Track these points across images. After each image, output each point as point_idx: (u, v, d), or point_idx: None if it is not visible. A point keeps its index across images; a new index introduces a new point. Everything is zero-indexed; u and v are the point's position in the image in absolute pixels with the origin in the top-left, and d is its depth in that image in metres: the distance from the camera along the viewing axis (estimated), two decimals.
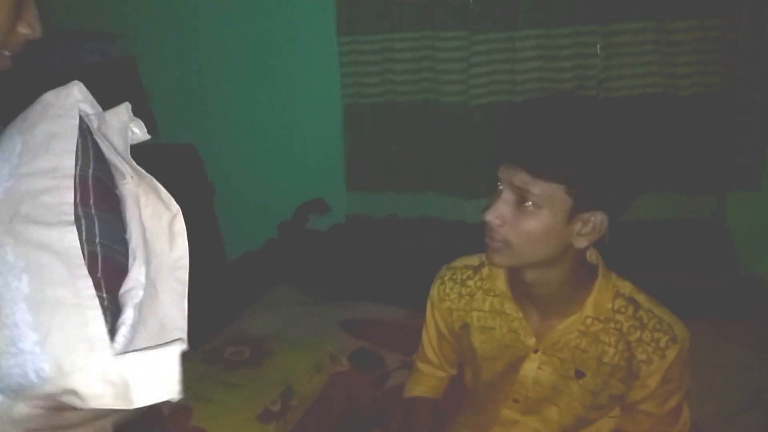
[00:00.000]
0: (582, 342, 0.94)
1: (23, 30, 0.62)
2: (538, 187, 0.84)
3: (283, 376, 1.51)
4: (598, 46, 2.00)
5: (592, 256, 0.96)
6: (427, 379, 1.17)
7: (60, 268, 0.49)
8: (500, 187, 0.88)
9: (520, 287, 0.98)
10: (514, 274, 0.98)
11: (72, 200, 0.53)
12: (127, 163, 0.62)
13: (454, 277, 1.08)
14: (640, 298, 0.93)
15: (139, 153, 2.07)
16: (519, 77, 2.08)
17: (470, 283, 1.06)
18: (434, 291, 1.10)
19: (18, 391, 0.48)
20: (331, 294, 2.02)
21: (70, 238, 0.51)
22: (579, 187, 0.83)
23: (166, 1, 2.29)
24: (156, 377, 0.47)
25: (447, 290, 1.08)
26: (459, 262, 1.09)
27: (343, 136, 2.27)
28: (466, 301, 1.05)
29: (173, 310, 0.58)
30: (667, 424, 0.95)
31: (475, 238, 1.00)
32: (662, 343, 0.89)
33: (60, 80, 0.73)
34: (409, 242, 2.17)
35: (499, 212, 0.87)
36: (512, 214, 0.86)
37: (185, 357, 0.50)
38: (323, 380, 1.59)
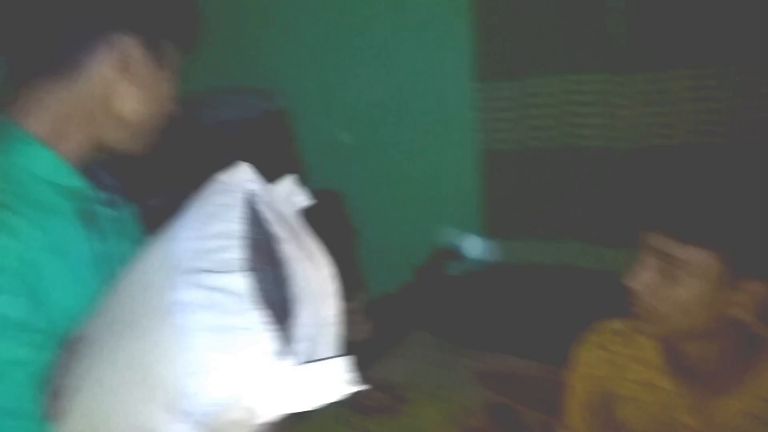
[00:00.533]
0: (744, 424, 0.84)
1: (172, 103, 0.78)
2: (686, 253, 0.77)
3: (418, 427, 1.50)
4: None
5: (760, 327, 0.86)
6: None
7: (236, 304, 0.57)
8: (643, 251, 0.82)
9: (675, 359, 0.90)
10: (669, 344, 0.91)
11: (241, 256, 0.62)
12: (291, 229, 0.70)
13: (600, 341, 1.02)
14: None
15: None
16: (667, 120, 1.95)
17: (618, 349, 0.99)
18: (578, 356, 1.04)
19: (199, 419, 0.55)
20: (467, 343, 1.99)
21: (242, 283, 0.59)
22: (733, 251, 0.75)
23: (315, 58, 2.46)
24: (327, 382, 0.54)
25: (591, 355, 1.02)
26: (605, 325, 1.03)
27: (482, 181, 2.26)
28: (613, 369, 0.99)
29: (329, 352, 0.65)
30: None
31: (622, 291, 0.94)
32: None
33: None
34: (549, 292, 2.09)
35: (643, 280, 0.82)
36: (658, 282, 0.81)
37: None
38: None
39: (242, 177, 0.71)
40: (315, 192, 2.72)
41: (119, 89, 0.71)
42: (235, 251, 0.62)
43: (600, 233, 2.06)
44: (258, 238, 0.65)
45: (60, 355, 0.65)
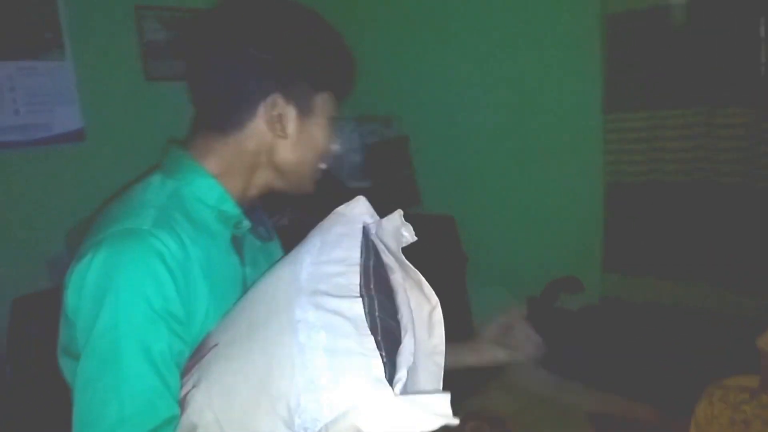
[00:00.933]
0: None
1: (333, 147, 0.88)
2: None
3: None
4: None
5: None
6: None
7: (350, 327, 0.63)
8: None
9: None
10: None
11: (358, 282, 0.68)
12: (398, 261, 0.76)
13: (726, 398, 0.95)
14: None
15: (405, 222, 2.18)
16: None
17: (746, 408, 0.92)
18: (700, 410, 0.98)
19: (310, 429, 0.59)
20: (577, 380, 1.92)
21: (357, 308, 0.65)
22: None
23: (433, 87, 2.51)
24: (429, 414, 0.56)
25: (716, 412, 0.96)
26: (733, 381, 0.96)
27: (603, 213, 2.19)
28: (740, 429, 0.92)
29: (430, 389, 0.67)
30: None
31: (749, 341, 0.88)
32: None
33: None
34: (668, 333, 1.97)
35: None
36: None
37: None
38: None
39: (360, 210, 0.81)
40: (430, 217, 2.80)
41: (275, 143, 0.82)
42: (353, 277, 0.69)
43: (726, 277, 1.91)
44: (373, 267, 0.72)
45: (191, 359, 0.73)
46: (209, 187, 0.81)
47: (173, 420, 0.68)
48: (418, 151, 2.57)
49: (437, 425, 0.56)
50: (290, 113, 0.81)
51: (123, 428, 0.65)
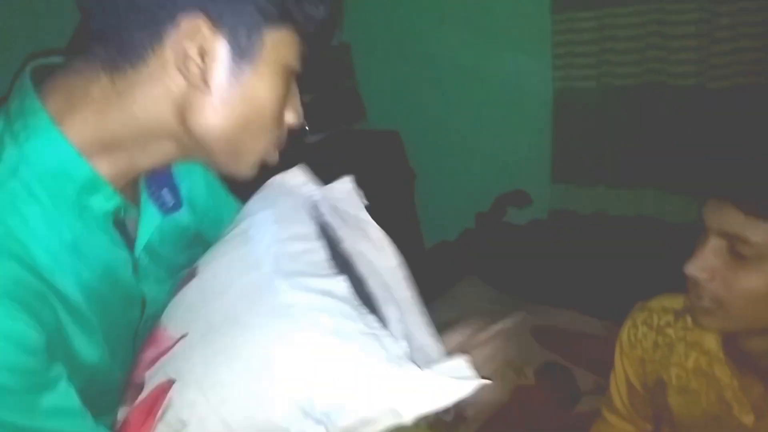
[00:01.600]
0: None
1: (289, 119, 0.62)
2: (758, 232, 0.63)
3: None
4: None
5: None
6: (614, 431, 1.00)
7: (347, 308, 0.56)
8: (707, 229, 0.69)
9: (738, 351, 0.77)
10: (733, 336, 0.78)
11: (326, 258, 0.61)
12: (361, 223, 0.72)
13: (649, 321, 0.89)
14: None
15: (347, 139, 2.14)
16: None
17: (670, 331, 0.86)
18: (624, 334, 0.93)
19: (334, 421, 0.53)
20: (524, 295, 1.89)
21: (343, 286, 0.58)
22: None
23: None
24: (457, 380, 0.53)
25: (639, 336, 0.90)
26: (657, 302, 0.90)
27: (552, 122, 2.08)
28: (663, 353, 0.86)
29: (427, 339, 0.64)
30: None
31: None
32: None
33: None
34: (618, 245, 1.93)
35: (706, 264, 0.68)
36: (724, 266, 0.68)
37: None
38: (505, 394, 1.48)
39: (302, 179, 0.71)
40: (374, 133, 2.65)
41: (190, 96, 0.55)
42: (321, 252, 0.61)
43: (680, 182, 1.85)
44: (330, 239, 0.66)
45: (146, 349, 0.62)
46: (72, 164, 0.55)
47: None
48: (360, 62, 2.40)
49: (469, 391, 0.53)
50: (218, 50, 0.53)
51: None
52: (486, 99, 2.22)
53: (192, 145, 0.58)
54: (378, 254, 0.69)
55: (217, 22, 0.52)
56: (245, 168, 0.62)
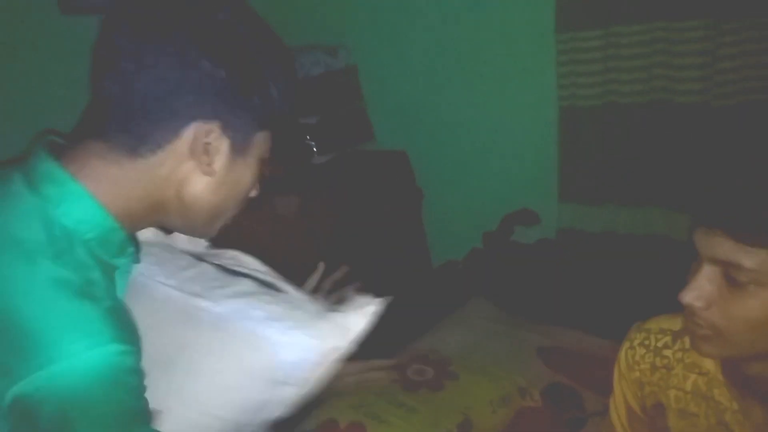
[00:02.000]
0: None
1: (252, 193, 0.77)
2: (752, 259, 0.62)
3: (463, 405, 1.43)
4: None
5: None
6: None
7: (264, 296, 0.77)
8: (701, 256, 0.68)
9: (736, 371, 0.76)
10: (734, 365, 0.76)
11: (218, 270, 0.81)
12: (208, 254, 0.88)
13: (647, 342, 0.88)
14: None
15: (355, 159, 2.16)
16: None
17: (667, 353, 0.85)
18: (621, 356, 0.92)
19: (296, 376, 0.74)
20: (531, 315, 1.87)
21: (247, 283, 0.80)
22: None
23: (383, 13, 2.33)
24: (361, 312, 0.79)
25: (637, 357, 0.89)
26: (654, 323, 0.89)
27: (557, 141, 2.08)
28: (662, 375, 0.85)
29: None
30: None
31: None
32: None
33: None
34: (627, 263, 1.91)
35: (702, 292, 0.67)
36: (720, 293, 0.67)
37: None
38: (509, 416, 1.47)
39: (145, 236, 0.79)
40: (382, 153, 2.67)
41: (193, 177, 0.68)
42: (210, 269, 0.79)
43: (687, 201, 1.83)
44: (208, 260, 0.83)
45: None
46: (98, 218, 0.65)
47: None
48: (367, 83, 2.43)
49: (373, 313, 0.79)
50: (222, 147, 0.68)
51: None
52: (492, 119, 2.22)
53: (177, 212, 0.71)
54: (244, 260, 0.85)
55: (226, 127, 0.67)
56: (213, 230, 0.76)
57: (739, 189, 0.65)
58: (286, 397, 0.76)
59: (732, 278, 0.65)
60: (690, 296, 0.68)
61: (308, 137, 2.22)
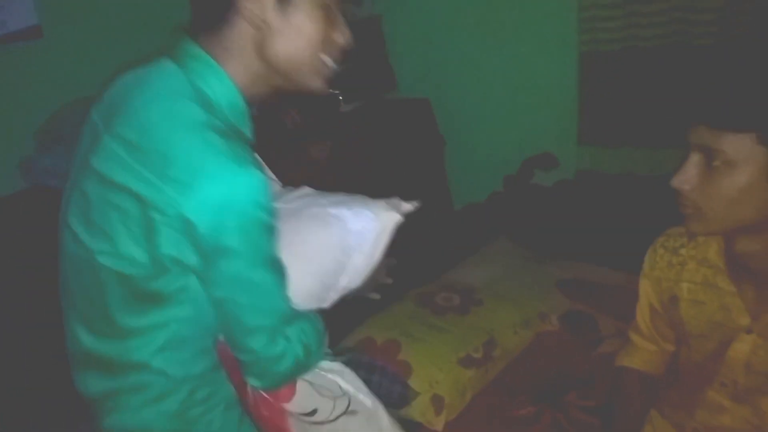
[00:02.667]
0: None
1: (338, 38, 0.80)
2: (725, 142, 0.75)
3: (488, 327, 1.55)
4: None
5: None
6: (640, 352, 1.10)
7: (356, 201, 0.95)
8: (689, 148, 0.79)
9: (734, 258, 0.87)
10: (729, 244, 0.88)
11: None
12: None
13: (666, 244, 0.99)
14: None
15: (380, 108, 2.28)
16: None
17: (683, 251, 0.96)
18: (646, 258, 1.03)
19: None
20: (551, 252, 1.98)
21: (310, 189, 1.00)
22: None
23: None
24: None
25: (657, 258, 1.00)
26: (675, 230, 0.99)
27: (578, 85, 2.15)
28: (677, 271, 0.96)
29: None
30: None
31: None
32: None
33: None
34: (643, 202, 2.00)
35: (686, 176, 0.79)
36: (701, 177, 0.79)
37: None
38: (530, 337, 1.59)
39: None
40: (405, 101, 2.75)
41: (261, 37, 0.77)
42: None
43: None
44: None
45: None
46: (231, 90, 0.79)
47: None
48: (391, 33, 2.49)
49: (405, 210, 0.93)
50: (267, 4, 0.75)
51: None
52: (513, 65, 2.29)
53: (271, 76, 0.80)
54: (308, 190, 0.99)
55: None
56: (314, 82, 0.82)
57: (716, 87, 0.78)
58: (357, 263, 0.89)
59: (711, 164, 0.78)
60: (678, 180, 0.81)
61: (334, 87, 2.32)
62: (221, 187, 0.70)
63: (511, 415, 1.38)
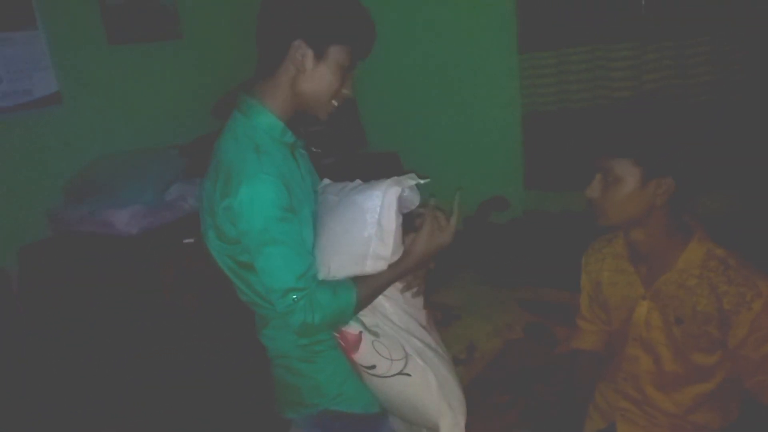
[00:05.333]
0: (680, 293, 1.16)
1: (345, 91, 1.12)
2: (615, 165, 1.11)
3: (468, 335, 1.89)
4: None
5: (692, 222, 1.19)
6: (586, 334, 1.44)
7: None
8: (596, 171, 1.16)
9: (632, 246, 1.24)
10: (627, 236, 1.24)
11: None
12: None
13: (594, 246, 1.37)
14: (732, 260, 1.13)
15: (354, 161, 2.72)
16: (690, 81, 2.23)
17: (604, 250, 1.33)
18: (583, 258, 1.40)
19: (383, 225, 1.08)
20: (509, 278, 2.35)
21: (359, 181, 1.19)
22: (643, 158, 1.09)
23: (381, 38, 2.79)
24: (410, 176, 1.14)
25: (588, 258, 1.37)
26: (600, 238, 1.37)
27: (522, 139, 2.58)
28: (600, 264, 1.33)
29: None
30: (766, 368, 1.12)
31: None
32: (747, 297, 1.09)
33: None
34: (580, 233, 2.41)
35: (593, 188, 1.15)
36: (603, 189, 1.14)
37: None
38: (500, 343, 1.94)
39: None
40: (378, 154, 3.18)
41: (299, 75, 1.09)
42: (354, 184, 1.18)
43: None
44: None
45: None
46: (273, 124, 1.11)
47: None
48: (362, 97, 2.88)
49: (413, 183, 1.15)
50: (308, 54, 1.06)
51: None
52: (468, 122, 2.72)
53: (301, 102, 1.11)
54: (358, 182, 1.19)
55: (311, 42, 1.06)
56: (322, 114, 1.14)
57: (610, 130, 1.15)
58: (376, 233, 1.07)
59: (607, 180, 1.13)
60: (588, 192, 1.16)
61: (315, 145, 2.66)
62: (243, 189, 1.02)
63: (492, 402, 1.70)
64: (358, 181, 1.19)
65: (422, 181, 1.16)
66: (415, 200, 1.16)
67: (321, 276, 1.10)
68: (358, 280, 1.09)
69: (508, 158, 2.64)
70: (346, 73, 1.11)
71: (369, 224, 1.07)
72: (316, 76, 1.07)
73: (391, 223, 1.08)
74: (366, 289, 1.10)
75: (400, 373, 1.11)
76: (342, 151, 2.72)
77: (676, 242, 1.18)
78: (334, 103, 1.13)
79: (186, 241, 1.78)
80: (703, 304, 1.14)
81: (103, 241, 1.86)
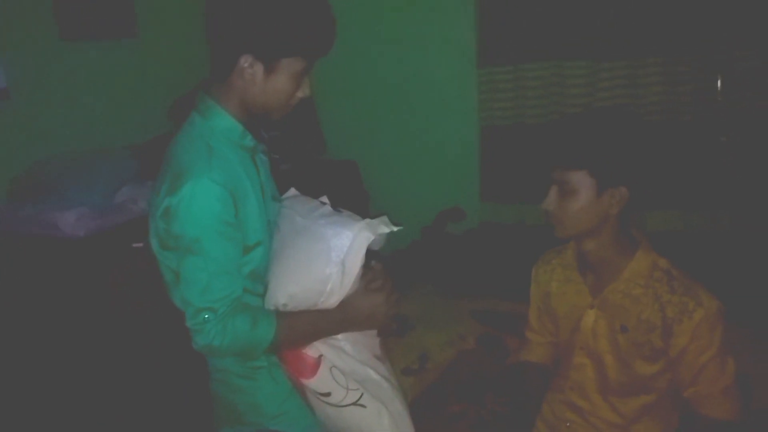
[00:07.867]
0: (625, 302, 1.20)
1: (300, 94, 1.10)
2: (570, 176, 1.14)
3: (421, 345, 1.89)
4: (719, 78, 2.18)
5: (637, 234, 1.23)
6: (535, 347, 1.47)
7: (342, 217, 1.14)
8: (552, 183, 1.19)
9: (582, 256, 1.27)
10: (579, 246, 1.26)
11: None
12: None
13: (544, 258, 1.40)
14: (675, 272, 1.18)
15: (312, 168, 2.70)
16: (642, 101, 2.30)
17: (554, 261, 1.36)
18: (533, 270, 1.42)
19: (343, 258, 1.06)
20: (464, 289, 2.37)
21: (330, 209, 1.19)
22: (597, 169, 1.13)
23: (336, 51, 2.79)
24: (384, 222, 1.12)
25: (538, 269, 1.40)
26: (550, 250, 1.40)
27: (479, 153, 2.62)
28: (549, 275, 1.36)
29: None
30: (711, 375, 1.15)
31: None
32: (689, 307, 1.13)
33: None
34: (534, 245, 2.45)
35: (550, 200, 1.18)
36: (559, 200, 1.17)
37: None
38: (453, 353, 1.95)
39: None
40: (337, 162, 3.17)
41: (248, 87, 1.06)
42: (323, 207, 1.18)
43: None
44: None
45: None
46: (232, 127, 1.09)
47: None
48: (322, 105, 2.87)
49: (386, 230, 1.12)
50: (258, 67, 1.03)
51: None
52: (426, 135, 2.74)
53: (256, 109, 1.09)
54: (328, 207, 1.20)
55: (259, 57, 1.03)
56: (276, 117, 1.11)
57: (565, 142, 1.17)
58: (336, 277, 1.05)
59: (563, 191, 1.16)
60: (545, 204, 1.19)
61: (273, 151, 2.64)
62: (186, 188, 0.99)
63: (444, 412, 1.71)
64: (326, 202, 1.18)
65: (395, 229, 1.13)
66: (379, 243, 1.15)
67: (272, 303, 1.09)
68: (284, 317, 1.07)
69: (465, 170, 2.67)
70: (301, 77, 1.07)
71: (333, 262, 1.05)
72: (269, 87, 1.05)
73: (355, 267, 1.06)
74: (288, 330, 1.07)
75: (354, 404, 1.10)
76: (300, 156, 2.70)
77: (623, 253, 1.22)
78: (289, 106, 1.10)
79: (135, 245, 1.73)
80: (647, 313, 1.18)
81: (48, 242, 1.80)
